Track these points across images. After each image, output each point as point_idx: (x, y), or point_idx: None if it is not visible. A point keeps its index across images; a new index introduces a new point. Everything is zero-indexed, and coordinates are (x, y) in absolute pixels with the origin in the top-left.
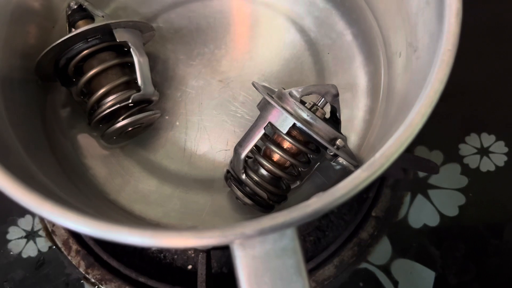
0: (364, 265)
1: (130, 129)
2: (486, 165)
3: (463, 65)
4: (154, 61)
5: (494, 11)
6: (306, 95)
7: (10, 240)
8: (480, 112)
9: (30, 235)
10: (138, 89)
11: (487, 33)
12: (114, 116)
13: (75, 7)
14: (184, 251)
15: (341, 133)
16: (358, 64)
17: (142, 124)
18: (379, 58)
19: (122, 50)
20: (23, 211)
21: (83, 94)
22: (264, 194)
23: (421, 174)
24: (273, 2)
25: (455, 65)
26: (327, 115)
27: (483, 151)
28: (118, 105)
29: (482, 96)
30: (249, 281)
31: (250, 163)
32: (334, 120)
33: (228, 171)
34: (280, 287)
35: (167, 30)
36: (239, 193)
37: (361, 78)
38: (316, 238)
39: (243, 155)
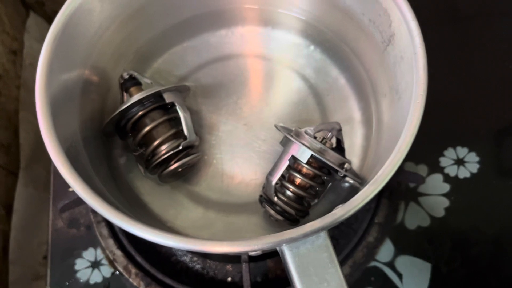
0: (373, 263)
1: (180, 170)
2: (463, 173)
3: (438, 92)
4: (190, 113)
5: (465, 37)
6: (317, 132)
7: (78, 270)
8: (454, 130)
9: (95, 264)
10: (184, 137)
11: (459, 57)
12: (166, 161)
13: (127, 77)
14: (223, 266)
15: (346, 158)
16: (352, 102)
17: (189, 164)
18: (369, 97)
19: (166, 107)
20: (85, 245)
21: (139, 146)
22: (292, 211)
23: (411, 184)
24: (279, 57)
25: (431, 94)
26: (334, 145)
27: (459, 162)
28: (171, 152)
29: (454, 116)
30: (298, 272)
31: (278, 188)
32: (339, 149)
33: (261, 195)
34: (320, 272)
35: (197, 87)
36: (272, 212)
37: (356, 113)
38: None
39: (273, 182)
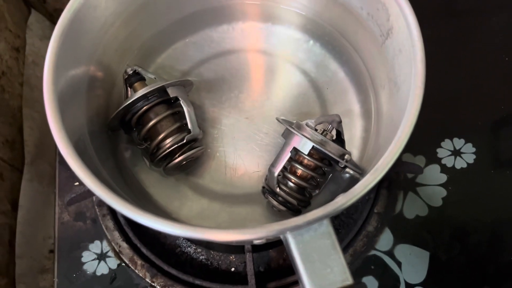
0: (373, 252)
1: (184, 162)
2: (460, 163)
3: (434, 84)
4: (192, 107)
5: (461, 31)
6: (318, 124)
7: (85, 262)
8: (451, 122)
9: (101, 257)
10: (188, 131)
11: (456, 50)
12: (170, 154)
13: (131, 72)
14: (227, 256)
15: (346, 149)
16: (352, 95)
17: (193, 157)
18: (368, 90)
19: (170, 102)
20: (92, 238)
21: (144, 139)
22: (294, 201)
23: (410, 175)
24: (280, 52)
25: (428, 86)
26: (334, 137)
27: (456, 153)
28: (175, 145)
29: (451, 108)
30: (301, 259)
31: (280, 179)
32: (339, 140)
33: (263, 187)
34: (324, 259)
35: (199, 82)
36: (275, 203)
37: (355, 106)
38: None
39: (276, 173)
